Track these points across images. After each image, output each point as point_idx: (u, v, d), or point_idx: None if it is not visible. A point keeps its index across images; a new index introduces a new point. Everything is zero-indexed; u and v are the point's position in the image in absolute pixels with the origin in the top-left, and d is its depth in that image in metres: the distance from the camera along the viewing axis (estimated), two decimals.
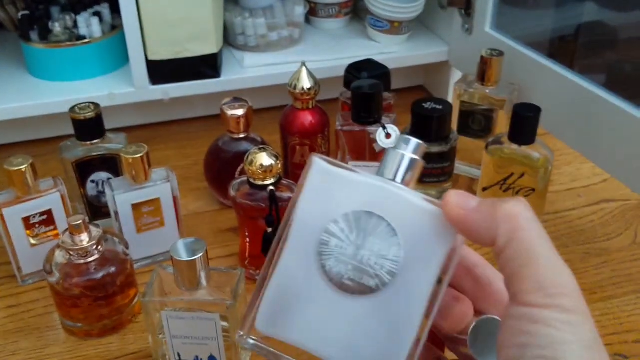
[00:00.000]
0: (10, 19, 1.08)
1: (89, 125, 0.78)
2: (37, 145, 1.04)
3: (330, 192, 0.34)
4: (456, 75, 1.09)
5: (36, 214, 0.73)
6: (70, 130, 0.79)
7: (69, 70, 1.00)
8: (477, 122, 0.91)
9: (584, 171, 0.95)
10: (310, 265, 0.33)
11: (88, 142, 0.79)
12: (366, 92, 0.78)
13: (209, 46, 0.97)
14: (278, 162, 0.70)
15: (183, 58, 0.96)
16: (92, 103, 0.79)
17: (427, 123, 0.81)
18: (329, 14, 1.15)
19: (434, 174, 0.84)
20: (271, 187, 0.70)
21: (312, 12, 1.16)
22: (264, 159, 0.69)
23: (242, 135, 0.83)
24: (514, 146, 0.76)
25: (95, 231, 0.66)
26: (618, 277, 0.76)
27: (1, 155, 0.95)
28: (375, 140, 0.79)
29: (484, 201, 0.32)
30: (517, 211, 0.31)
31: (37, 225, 0.74)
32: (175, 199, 0.76)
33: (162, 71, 0.97)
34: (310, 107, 0.84)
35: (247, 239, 0.75)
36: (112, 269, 0.67)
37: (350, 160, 0.82)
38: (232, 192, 0.73)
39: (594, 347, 0.29)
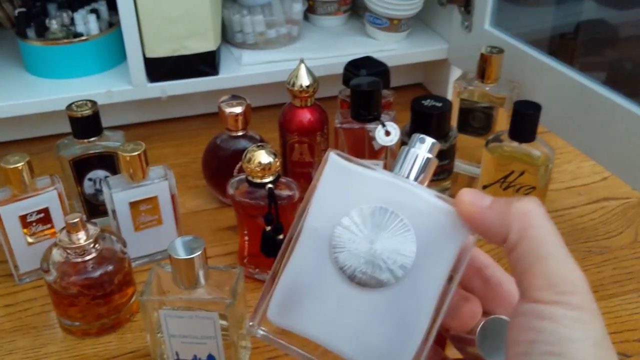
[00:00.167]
0: (7, 16, 1.07)
1: (86, 123, 0.77)
2: (34, 143, 1.03)
3: (345, 187, 0.34)
4: (455, 73, 1.09)
5: (33, 212, 0.72)
6: (67, 128, 0.78)
7: (66, 67, 0.99)
8: (476, 119, 0.90)
9: (584, 169, 0.95)
10: (323, 258, 0.34)
11: (85, 140, 0.78)
12: (365, 89, 0.77)
13: (207, 43, 0.96)
14: (276, 159, 0.70)
15: (181, 55, 0.96)
16: (90, 101, 0.78)
17: (426, 121, 0.81)
18: (328, 11, 1.15)
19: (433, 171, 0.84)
20: (270, 185, 0.69)
21: (310, 10, 1.15)
22: (263, 157, 0.69)
23: (240, 133, 0.83)
24: (514, 144, 0.76)
25: (93, 229, 0.66)
26: (619, 276, 0.75)
27: None
28: (374, 138, 0.78)
29: (497, 199, 0.33)
30: (530, 209, 0.32)
31: (34, 224, 0.73)
32: (173, 197, 0.76)
33: (159, 69, 0.96)
34: (309, 104, 0.84)
35: (246, 237, 0.75)
36: (110, 268, 0.66)
37: None
38: (230, 190, 0.72)
39: (602, 345, 0.29)
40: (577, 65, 0.85)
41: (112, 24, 1.03)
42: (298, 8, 1.06)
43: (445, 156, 0.83)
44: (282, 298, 0.35)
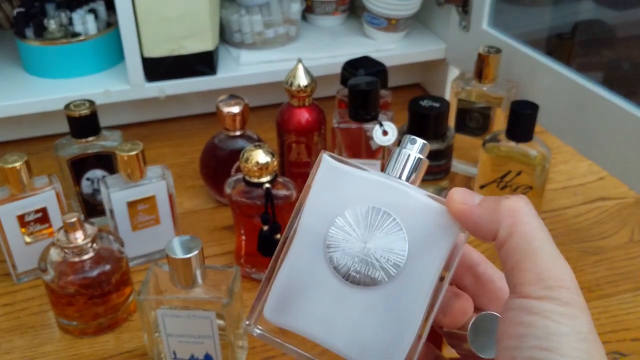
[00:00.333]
0: (5, 16, 1.07)
1: (84, 122, 0.77)
2: (32, 142, 1.03)
3: (339, 188, 0.35)
4: (453, 73, 1.09)
5: (31, 212, 0.73)
6: (65, 127, 0.78)
7: (64, 67, 1.00)
8: (474, 119, 0.91)
9: (580, 169, 0.95)
10: (318, 258, 0.34)
11: (83, 140, 0.78)
12: (363, 89, 0.78)
13: (205, 43, 0.97)
14: (274, 159, 0.70)
15: (179, 55, 0.96)
16: (88, 100, 0.78)
17: (424, 121, 0.81)
18: (326, 11, 1.15)
19: (430, 171, 0.84)
20: (267, 185, 0.70)
21: (308, 9, 1.15)
22: (260, 157, 0.69)
23: (238, 133, 0.83)
24: (512, 144, 0.76)
25: (90, 229, 0.66)
26: (615, 275, 0.75)
27: None
28: (371, 138, 0.78)
29: (487, 198, 0.33)
30: (519, 206, 0.32)
31: (31, 223, 0.73)
32: (170, 197, 0.76)
33: (157, 68, 0.97)
34: (307, 104, 0.84)
35: (243, 237, 0.75)
36: (107, 267, 0.67)
37: (347, 157, 0.82)
38: (227, 190, 0.73)
39: (589, 340, 0.30)
40: (574, 65, 0.85)
41: (110, 23, 1.03)
42: (296, 8, 1.06)
43: (442, 156, 0.83)
44: (278, 297, 0.35)
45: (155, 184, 0.74)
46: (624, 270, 0.76)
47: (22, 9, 1.01)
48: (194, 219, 0.86)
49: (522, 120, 0.75)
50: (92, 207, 0.83)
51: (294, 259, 0.35)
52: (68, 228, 0.64)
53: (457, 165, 0.93)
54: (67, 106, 0.77)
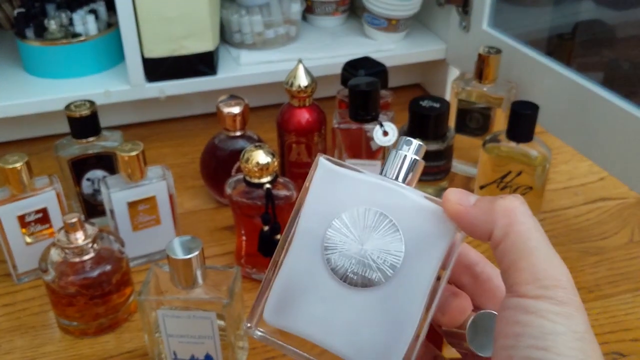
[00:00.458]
0: (6, 17, 1.07)
1: (85, 123, 0.77)
2: (32, 143, 1.03)
3: (336, 190, 0.35)
4: (453, 73, 1.09)
5: (31, 212, 0.73)
6: (66, 128, 0.78)
7: (65, 67, 1.00)
8: (474, 120, 0.91)
9: (581, 169, 0.95)
10: (316, 260, 0.35)
11: (84, 140, 0.79)
12: (363, 89, 0.78)
13: (205, 44, 0.97)
14: (274, 160, 0.70)
15: (179, 56, 0.96)
16: (88, 101, 0.78)
17: (424, 121, 0.81)
18: (326, 11, 1.15)
19: (430, 172, 0.84)
20: (267, 185, 0.70)
21: (308, 10, 1.15)
22: (260, 157, 0.69)
23: (238, 133, 0.83)
24: (512, 144, 0.76)
25: (91, 229, 0.66)
26: (615, 276, 0.75)
27: None
28: (372, 138, 0.79)
29: (482, 198, 0.34)
30: (514, 206, 0.32)
31: (32, 224, 0.73)
32: (171, 197, 0.76)
33: (158, 69, 0.97)
34: (307, 104, 0.84)
35: (244, 237, 0.75)
36: (108, 267, 0.67)
37: (347, 158, 0.82)
38: (228, 190, 0.73)
39: (585, 339, 0.30)
40: (574, 65, 0.85)
41: (111, 24, 1.03)
42: (296, 8, 1.07)
43: (442, 156, 0.84)
44: (278, 299, 0.36)
45: (156, 184, 0.74)
46: (624, 271, 0.76)
47: (22, 10, 1.01)
48: (195, 219, 0.86)
49: (523, 120, 0.75)
50: (92, 208, 0.83)
51: (292, 262, 0.35)
52: (69, 228, 0.64)
53: (457, 166, 0.93)
54: (67, 106, 0.77)
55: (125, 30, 0.92)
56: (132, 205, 0.74)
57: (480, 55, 0.87)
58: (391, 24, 1.07)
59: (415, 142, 0.36)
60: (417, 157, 0.36)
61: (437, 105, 0.82)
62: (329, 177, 0.36)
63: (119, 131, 0.82)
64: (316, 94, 0.85)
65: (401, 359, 0.34)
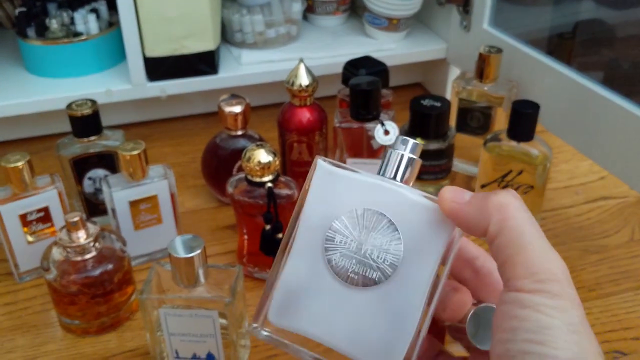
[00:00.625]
0: (7, 16, 1.08)
1: (86, 122, 0.77)
2: (33, 142, 1.03)
3: (334, 191, 0.36)
4: (454, 73, 1.09)
5: (33, 211, 0.73)
6: (67, 127, 0.78)
7: (66, 67, 1.00)
8: (475, 119, 0.91)
9: (581, 169, 0.95)
10: (317, 261, 0.35)
11: (85, 139, 0.79)
12: (364, 88, 0.78)
13: (206, 43, 0.97)
14: (276, 158, 0.70)
15: (180, 55, 0.96)
16: (90, 100, 0.79)
17: (425, 120, 0.82)
18: (327, 11, 1.15)
19: (431, 171, 0.84)
20: (269, 184, 0.70)
21: (309, 9, 1.16)
22: (262, 156, 0.69)
23: (239, 132, 0.83)
24: (513, 143, 0.76)
25: (93, 228, 0.66)
26: (616, 274, 0.76)
27: None
28: (373, 137, 0.79)
29: (477, 194, 0.34)
30: (508, 201, 0.33)
31: (34, 223, 0.73)
32: (172, 196, 0.76)
33: (159, 68, 0.97)
34: (308, 104, 0.84)
35: (245, 236, 0.75)
36: (110, 266, 0.67)
37: (348, 157, 0.82)
38: (229, 189, 0.73)
39: (581, 332, 0.30)
40: (575, 64, 0.86)
41: (112, 23, 1.03)
42: (297, 8, 1.07)
43: (443, 155, 0.84)
44: (281, 300, 0.36)
45: (157, 183, 0.74)
46: (625, 269, 0.76)
47: (23, 9, 1.01)
48: (196, 219, 0.87)
49: (524, 119, 0.75)
50: (94, 207, 0.83)
51: (294, 263, 0.36)
52: (70, 227, 0.65)
53: (458, 165, 0.93)
54: (69, 106, 0.77)
55: (127, 29, 0.93)
56: (134, 204, 0.74)
57: (481, 55, 0.87)
58: (392, 24, 1.07)
59: (412, 141, 0.37)
60: (414, 156, 0.37)
61: (438, 104, 0.82)
62: (327, 178, 0.36)
63: (121, 130, 0.82)
64: (317, 94, 0.85)
65: (403, 355, 0.34)
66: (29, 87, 0.99)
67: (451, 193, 0.34)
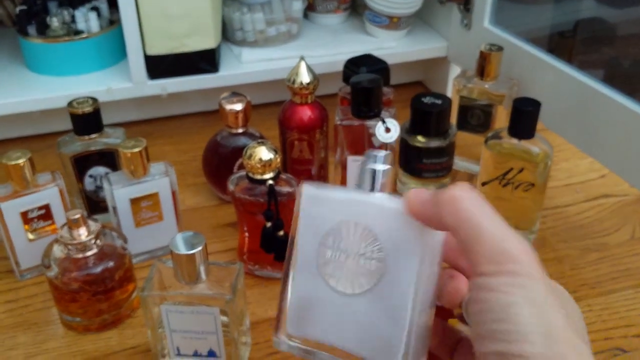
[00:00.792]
0: (7, 14, 1.08)
1: (87, 119, 0.78)
2: (34, 140, 1.03)
3: (320, 212, 0.40)
4: (454, 71, 1.09)
5: (34, 209, 0.73)
6: (68, 125, 0.78)
7: (67, 65, 1.00)
8: (475, 117, 0.91)
9: (582, 167, 0.95)
10: (315, 276, 0.39)
11: (86, 137, 0.79)
12: (366, 86, 0.78)
13: (207, 41, 0.97)
14: (277, 156, 0.70)
15: (181, 53, 0.96)
16: (91, 97, 0.79)
17: (426, 118, 0.82)
18: (327, 9, 1.15)
19: (432, 169, 0.84)
20: (270, 182, 0.70)
21: (310, 8, 1.16)
22: (263, 153, 0.69)
23: (240, 130, 0.83)
24: (514, 141, 0.76)
25: (94, 225, 0.66)
26: (617, 272, 0.76)
27: None
28: (374, 135, 0.79)
29: (434, 192, 0.36)
30: (458, 194, 0.34)
31: (35, 220, 0.73)
32: (173, 194, 0.76)
33: (160, 66, 0.97)
34: (309, 101, 0.84)
35: (246, 234, 0.75)
36: (111, 264, 0.67)
37: (349, 155, 0.82)
38: (230, 187, 0.73)
39: (542, 305, 0.31)
40: (575, 63, 0.86)
41: (113, 21, 1.03)
42: (298, 6, 1.07)
43: (444, 153, 0.84)
44: (294, 315, 0.41)
45: (159, 180, 0.74)
46: (626, 267, 0.76)
47: (24, 7, 1.01)
48: (197, 216, 0.87)
49: (525, 117, 0.75)
50: (94, 204, 0.83)
51: (298, 281, 0.40)
52: (72, 224, 0.65)
53: (459, 163, 0.93)
54: (70, 103, 0.77)
55: (128, 27, 0.93)
56: (135, 201, 0.74)
57: (482, 53, 0.87)
58: (392, 22, 1.07)
59: (380, 154, 0.40)
60: (385, 167, 0.39)
61: (439, 101, 0.82)
62: (312, 201, 0.40)
63: (122, 128, 0.82)
64: (317, 92, 0.85)
65: (402, 348, 0.37)
66: (30, 85, 0.99)
67: (412, 194, 0.36)
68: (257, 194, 0.71)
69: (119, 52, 1.02)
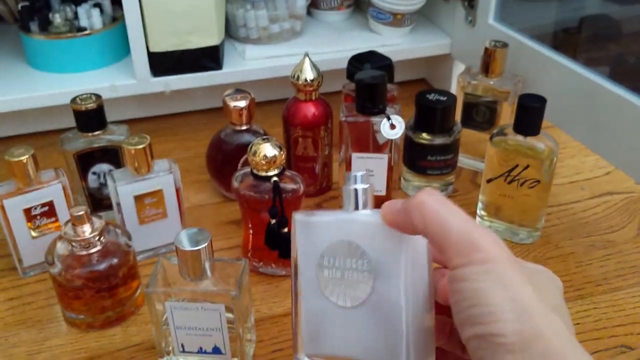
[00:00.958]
0: (9, 11, 1.07)
1: (91, 116, 0.77)
2: (38, 137, 1.03)
3: (313, 236, 0.42)
4: (458, 68, 1.09)
5: (37, 206, 0.72)
6: (71, 122, 0.78)
7: (70, 61, 1.00)
8: (480, 114, 0.90)
9: (587, 164, 0.95)
10: (319, 296, 0.42)
11: (89, 134, 0.78)
12: (371, 82, 0.77)
13: (210, 38, 0.96)
14: (282, 152, 0.70)
15: (185, 50, 0.96)
16: (94, 94, 0.78)
17: (430, 114, 0.81)
18: (331, 6, 1.15)
19: (437, 166, 0.84)
20: (275, 178, 0.69)
21: (313, 4, 1.15)
22: (268, 150, 0.69)
23: (244, 127, 0.83)
24: (519, 137, 0.76)
25: (98, 222, 0.66)
26: (623, 269, 0.75)
27: (2, 149, 0.94)
28: (378, 131, 0.78)
29: (405, 201, 0.38)
30: (422, 199, 0.37)
31: (38, 217, 0.73)
32: (178, 191, 0.76)
33: (163, 63, 0.97)
34: (313, 98, 0.84)
35: (250, 231, 0.75)
36: (115, 261, 0.66)
37: (353, 152, 0.82)
38: (235, 184, 0.72)
39: (512, 286, 0.33)
40: (580, 59, 0.85)
41: (116, 18, 1.03)
42: (301, 3, 1.06)
43: (449, 150, 0.83)
44: (307, 335, 0.44)
45: (163, 177, 0.74)
46: (633, 264, 0.76)
47: (26, 3, 1.01)
48: (201, 213, 0.86)
49: (530, 113, 0.75)
50: (98, 202, 0.83)
51: (306, 306, 0.43)
52: (75, 221, 0.64)
53: (464, 160, 0.93)
54: (73, 100, 0.77)
55: (131, 24, 0.92)
56: (139, 198, 0.74)
57: (486, 49, 0.87)
58: (396, 19, 1.07)
59: (359, 175, 0.42)
60: (365, 186, 0.42)
61: (443, 98, 0.81)
62: (305, 228, 0.43)
63: (125, 125, 0.82)
64: (321, 89, 0.84)
65: (403, 350, 0.39)
66: (33, 82, 0.98)
67: (386, 206, 0.39)
68: (262, 191, 0.70)
69: (122, 49, 1.02)
